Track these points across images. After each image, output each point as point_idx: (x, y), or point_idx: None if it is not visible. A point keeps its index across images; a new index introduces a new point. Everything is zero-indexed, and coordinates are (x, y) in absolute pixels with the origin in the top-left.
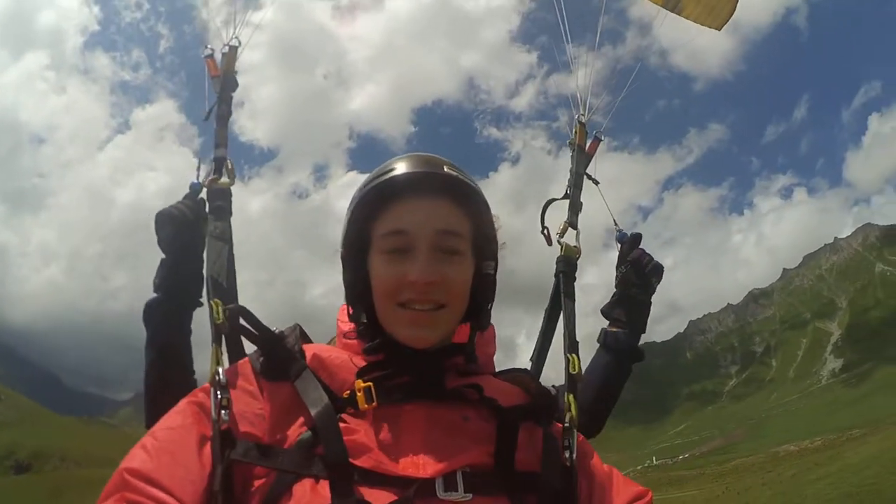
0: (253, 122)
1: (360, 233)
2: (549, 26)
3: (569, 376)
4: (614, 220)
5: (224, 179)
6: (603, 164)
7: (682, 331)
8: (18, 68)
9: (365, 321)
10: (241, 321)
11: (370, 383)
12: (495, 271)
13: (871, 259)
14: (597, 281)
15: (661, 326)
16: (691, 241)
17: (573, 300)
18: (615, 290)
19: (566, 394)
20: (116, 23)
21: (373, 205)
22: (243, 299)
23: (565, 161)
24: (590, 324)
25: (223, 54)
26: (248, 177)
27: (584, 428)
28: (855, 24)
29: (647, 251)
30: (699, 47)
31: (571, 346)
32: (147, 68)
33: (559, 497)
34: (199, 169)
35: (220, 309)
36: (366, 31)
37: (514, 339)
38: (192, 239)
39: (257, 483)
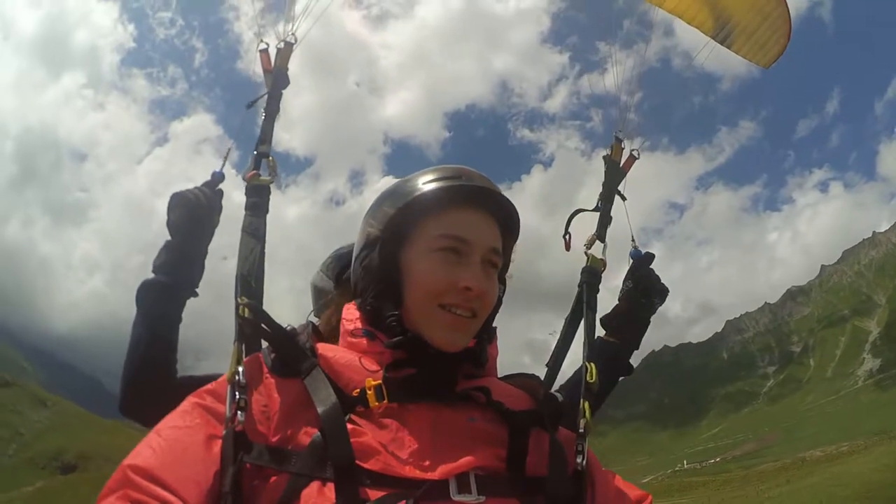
0: (289, 131)
1: (405, 221)
2: (580, 27)
3: (585, 384)
4: (632, 237)
5: (265, 177)
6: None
7: (718, 331)
8: (57, 88)
9: (394, 313)
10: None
11: (380, 381)
12: (503, 294)
13: None
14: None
15: (696, 328)
16: (726, 240)
17: (594, 311)
18: (617, 302)
19: (581, 401)
20: (151, 39)
21: (434, 201)
22: (282, 308)
23: (598, 163)
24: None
25: (278, 49)
26: (286, 185)
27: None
28: (883, 14)
29: (656, 272)
30: (723, 47)
31: (590, 354)
32: (183, 83)
33: (569, 502)
34: (225, 158)
35: (249, 309)
36: (396, 38)
37: (549, 342)
38: (201, 225)
39: (266, 484)
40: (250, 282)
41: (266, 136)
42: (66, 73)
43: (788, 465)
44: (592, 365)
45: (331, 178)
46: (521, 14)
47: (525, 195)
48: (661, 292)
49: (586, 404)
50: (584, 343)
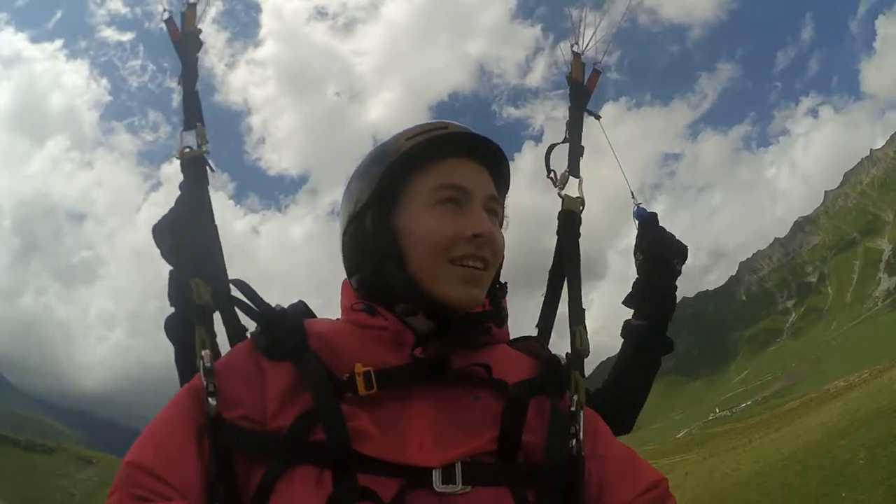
0: (277, 154)
1: (395, 182)
2: None
3: (574, 351)
4: (631, 193)
5: (195, 148)
6: (622, 126)
7: (733, 274)
8: (43, 155)
9: (402, 275)
10: (241, 297)
11: (370, 368)
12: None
13: None
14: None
15: (711, 275)
16: (725, 183)
17: (578, 262)
18: (637, 276)
19: (572, 372)
20: (126, 90)
21: (422, 157)
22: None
23: (591, 125)
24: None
25: (182, 14)
26: (285, 206)
27: (613, 426)
28: None
29: (668, 230)
30: None
31: (576, 316)
32: (165, 125)
33: (564, 488)
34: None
35: (202, 288)
36: (367, 43)
37: (562, 319)
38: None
39: (256, 470)
40: (201, 258)
41: (189, 105)
42: (49, 139)
43: (813, 400)
44: (581, 329)
45: (328, 191)
46: None
47: (521, 173)
48: (678, 252)
49: (577, 375)
50: (568, 304)
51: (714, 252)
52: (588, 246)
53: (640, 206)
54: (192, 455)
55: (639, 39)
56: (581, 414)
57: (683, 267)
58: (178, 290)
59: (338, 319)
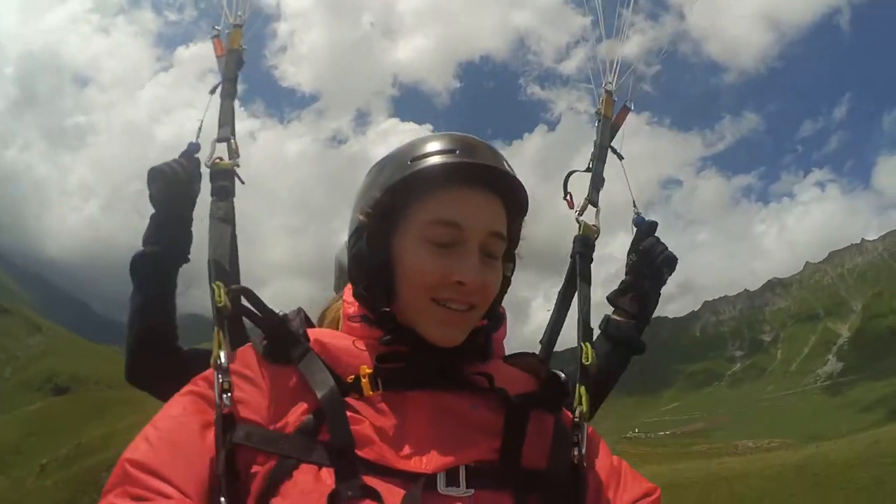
0: (296, 66)
1: (396, 206)
2: None
3: (581, 367)
4: (633, 202)
5: (227, 160)
6: (636, 137)
7: (695, 309)
8: (62, 11)
9: (386, 309)
10: (245, 303)
11: (373, 371)
12: (512, 273)
13: (894, 267)
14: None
15: (674, 305)
16: (714, 224)
17: (589, 283)
18: (625, 276)
19: (577, 385)
20: None
21: (424, 182)
22: (276, 245)
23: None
24: (599, 294)
25: (227, 33)
26: (288, 120)
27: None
28: None
29: (663, 241)
30: (733, 38)
31: (585, 333)
32: (192, 8)
33: (565, 495)
34: (199, 130)
35: (223, 292)
36: None
37: (530, 302)
38: (181, 196)
39: (259, 468)
40: (224, 265)
41: (226, 118)
42: None
43: (715, 450)
44: (588, 345)
45: (335, 117)
46: None
47: (523, 155)
48: (668, 261)
49: (582, 389)
50: (578, 321)
51: (683, 284)
52: (563, 244)
53: (640, 214)
54: (194, 452)
55: (676, 63)
56: (585, 425)
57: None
58: (161, 236)
59: (337, 329)
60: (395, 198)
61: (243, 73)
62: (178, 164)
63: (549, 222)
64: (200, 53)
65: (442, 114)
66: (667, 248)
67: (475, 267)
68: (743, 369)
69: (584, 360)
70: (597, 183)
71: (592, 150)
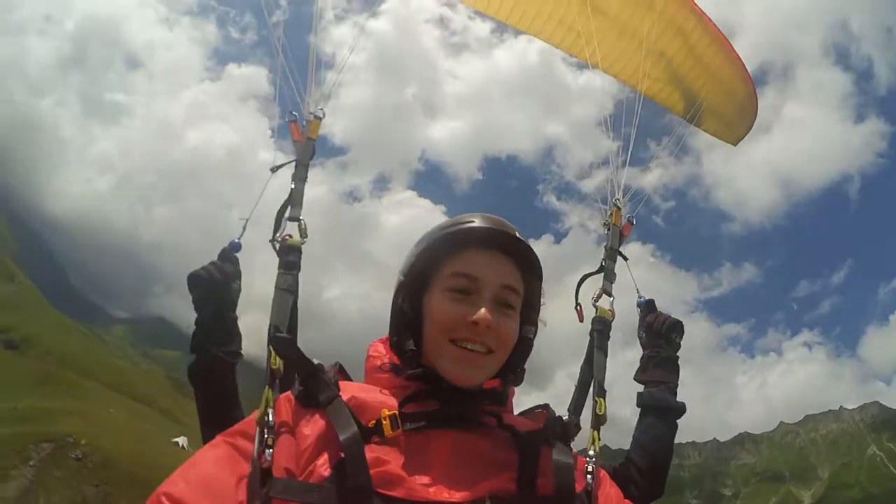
0: (331, 116)
1: (425, 269)
2: (640, 122)
3: (595, 416)
4: (637, 288)
5: (297, 238)
6: (638, 266)
7: None
8: None
9: (412, 349)
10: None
11: (395, 411)
12: (534, 336)
13: (867, 440)
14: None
15: None
16: (694, 367)
17: (605, 354)
18: (642, 354)
19: (591, 431)
20: None
21: (449, 245)
22: (260, 282)
23: (601, 252)
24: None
25: (307, 122)
26: (311, 164)
27: (646, 490)
28: None
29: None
30: (743, 190)
31: (599, 391)
32: (254, 34)
33: None
34: (244, 229)
35: (277, 357)
36: (465, 70)
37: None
38: (220, 298)
39: None
40: (282, 331)
41: (296, 200)
42: None
43: None
44: (602, 400)
45: (357, 174)
46: (588, 91)
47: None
48: (674, 325)
49: (595, 434)
50: (593, 382)
51: None
52: (541, 354)
53: (641, 297)
54: (229, 495)
55: (686, 204)
56: (595, 459)
57: (617, 418)
58: (207, 342)
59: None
60: (424, 261)
61: (284, 109)
62: (215, 268)
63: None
64: (247, 75)
65: (458, 199)
66: (670, 316)
67: (487, 310)
68: None
69: (597, 411)
70: (609, 277)
71: (604, 252)
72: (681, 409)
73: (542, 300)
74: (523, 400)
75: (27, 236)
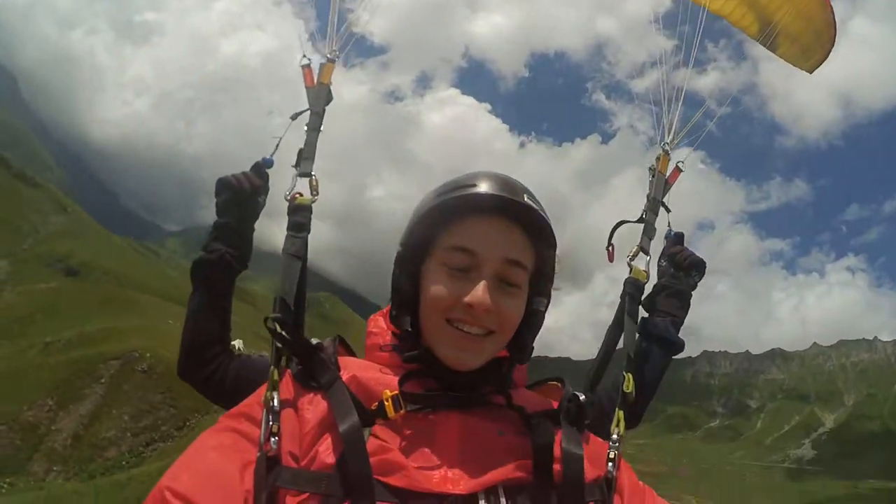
0: (371, 14)
1: (424, 236)
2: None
3: (622, 394)
4: (668, 222)
5: (307, 196)
6: (687, 172)
7: (692, 356)
8: None
9: (409, 328)
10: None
11: (397, 391)
12: (546, 308)
13: None
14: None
15: None
16: (735, 278)
17: (636, 321)
18: (657, 281)
19: (616, 410)
20: None
21: (448, 213)
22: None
23: (649, 162)
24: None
25: (321, 65)
26: (351, 65)
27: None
28: None
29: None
30: (800, 104)
31: (629, 365)
32: None
33: None
34: (276, 147)
35: (276, 321)
36: None
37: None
38: (245, 208)
39: (293, 500)
40: (288, 302)
41: (309, 153)
42: None
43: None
44: (630, 375)
45: (398, 73)
46: None
47: (567, 159)
48: (697, 263)
49: (621, 414)
50: (626, 353)
51: (687, 328)
52: (581, 255)
53: (671, 229)
54: (233, 490)
55: (741, 113)
56: (618, 444)
57: None
58: (223, 244)
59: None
60: (422, 229)
61: (320, 9)
62: (245, 177)
63: (572, 231)
64: None
65: (503, 97)
66: (695, 253)
67: (484, 290)
68: (720, 427)
69: (625, 388)
70: (649, 232)
71: (645, 202)
72: (681, 347)
73: (555, 268)
74: (564, 300)
75: (74, 165)
